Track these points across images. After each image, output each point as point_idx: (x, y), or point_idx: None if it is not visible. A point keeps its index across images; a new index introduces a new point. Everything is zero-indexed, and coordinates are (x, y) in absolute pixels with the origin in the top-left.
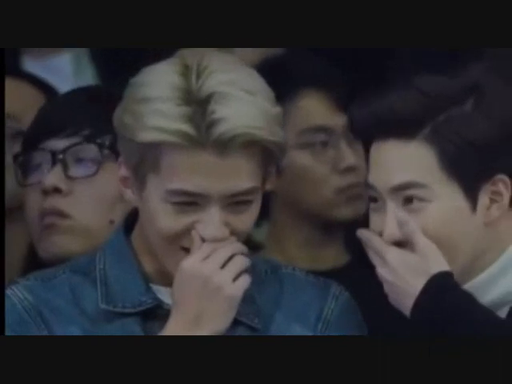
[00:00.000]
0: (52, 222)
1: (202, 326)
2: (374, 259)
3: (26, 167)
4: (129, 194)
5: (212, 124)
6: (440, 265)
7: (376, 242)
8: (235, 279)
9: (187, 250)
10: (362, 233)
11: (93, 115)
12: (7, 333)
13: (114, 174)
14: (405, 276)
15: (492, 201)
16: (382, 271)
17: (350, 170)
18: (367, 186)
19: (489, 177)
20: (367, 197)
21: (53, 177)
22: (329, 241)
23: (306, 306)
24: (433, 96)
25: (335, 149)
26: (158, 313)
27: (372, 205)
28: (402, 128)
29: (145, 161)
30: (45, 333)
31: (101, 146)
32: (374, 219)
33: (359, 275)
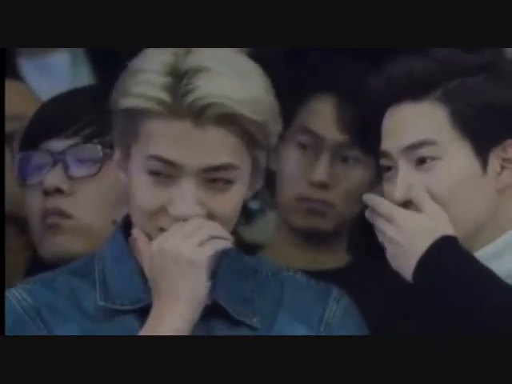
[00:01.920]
0: (55, 223)
1: (179, 299)
2: (381, 224)
3: (27, 168)
4: (122, 176)
5: (187, 92)
6: (446, 229)
7: (385, 204)
8: (200, 246)
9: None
10: (369, 198)
11: (93, 115)
12: (6, 334)
13: (116, 174)
14: (412, 236)
15: (503, 167)
16: (389, 232)
17: (317, 184)
18: (381, 154)
19: (499, 141)
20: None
21: (54, 177)
22: (318, 246)
23: (308, 307)
24: (448, 64)
25: (315, 158)
26: None
27: (386, 174)
28: (415, 88)
29: (128, 130)
30: (44, 332)
31: (101, 146)
32: (388, 188)
33: (359, 276)
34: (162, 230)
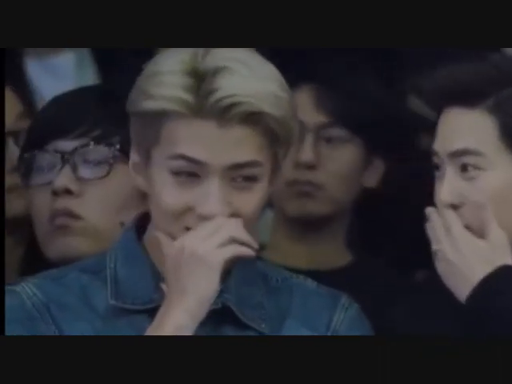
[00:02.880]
0: (64, 224)
1: (187, 296)
2: (440, 235)
3: (31, 168)
4: (139, 180)
5: (210, 92)
6: (507, 258)
7: (449, 219)
8: (219, 247)
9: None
10: (431, 211)
11: (101, 116)
12: (15, 329)
13: (125, 175)
14: (469, 259)
15: None
16: (446, 249)
17: (304, 165)
18: (432, 153)
19: None
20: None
21: (63, 178)
22: (316, 239)
23: (316, 314)
24: (502, 70)
25: (299, 142)
26: None
27: (436, 173)
28: (466, 96)
29: (147, 133)
30: (52, 328)
31: (110, 148)
32: (437, 188)
33: (360, 275)
34: (188, 229)
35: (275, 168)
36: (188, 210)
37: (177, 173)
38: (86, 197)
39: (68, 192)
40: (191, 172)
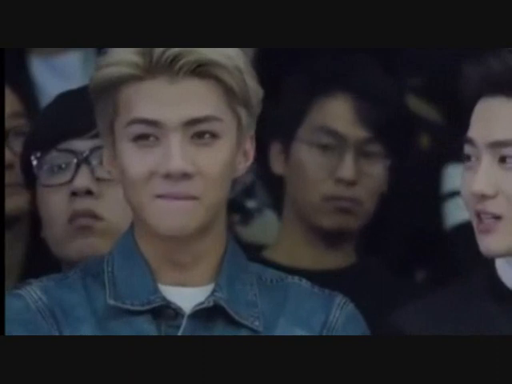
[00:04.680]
0: (86, 224)
1: None
2: None
3: (45, 168)
4: (114, 173)
5: (155, 50)
6: None
7: None
8: None
9: (162, 197)
10: None
11: None
12: (18, 333)
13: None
14: None
15: None
16: None
17: (343, 182)
18: (466, 140)
19: None
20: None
21: (84, 178)
22: (330, 246)
23: (311, 313)
24: None
25: (339, 157)
26: (165, 312)
27: (466, 163)
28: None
29: (109, 108)
30: (54, 328)
31: None
32: (468, 177)
33: (362, 276)
34: (159, 197)
35: (240, 129)
36: (153, 174)
37: (136, 138)
38: (106, 197)
39: (88, 193)
40: (149, 134)
